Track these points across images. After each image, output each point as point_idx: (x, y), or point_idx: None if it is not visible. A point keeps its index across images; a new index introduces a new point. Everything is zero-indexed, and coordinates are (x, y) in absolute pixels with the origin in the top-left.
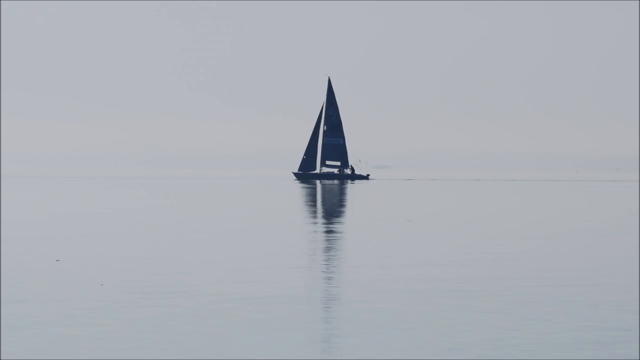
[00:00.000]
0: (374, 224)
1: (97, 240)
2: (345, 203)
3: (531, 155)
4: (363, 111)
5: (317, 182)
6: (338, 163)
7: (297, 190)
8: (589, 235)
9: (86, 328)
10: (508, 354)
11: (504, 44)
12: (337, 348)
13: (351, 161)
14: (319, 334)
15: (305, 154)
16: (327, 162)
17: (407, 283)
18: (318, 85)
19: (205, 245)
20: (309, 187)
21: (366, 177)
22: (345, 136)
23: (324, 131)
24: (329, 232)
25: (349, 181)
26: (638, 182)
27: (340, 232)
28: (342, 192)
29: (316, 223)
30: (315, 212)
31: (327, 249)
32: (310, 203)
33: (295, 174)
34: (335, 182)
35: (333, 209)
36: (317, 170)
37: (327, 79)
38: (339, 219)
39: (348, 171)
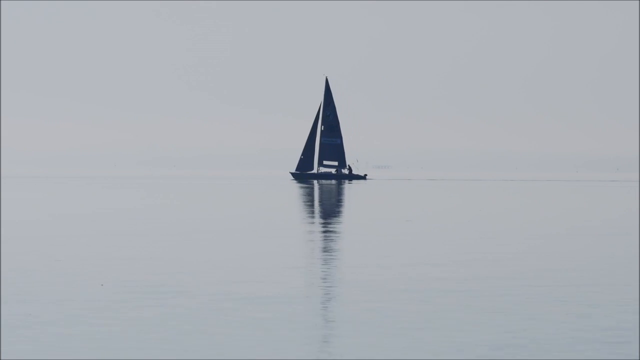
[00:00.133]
0: (374, 224)
1: (97, 240)
2: (344, 203)
3: (531, 155)
4: (363, 111)
5: (315, 182)
6: (335, 163)
7: (296, 190)
8: (589, 235)
9: (86, 328)
10: (508, 353)
11: (504, 44)
12: (337, 348)
13: (349, 161)
14: (318, 334)
15: (302, 154)
16: (325, 162)
17: (407, 283)
18: (319, 85)
19: (205, 245)
20: (308, 187)
21: (363, 177)
22: (345, 136)
23: (322, 131)
24: (328, 232)
25: (347, 181)
26: (638, 182)
27: (340, 232)
28: (340, 192)
29: (316, 223)
30: (314, 212)
31: (327, 249)
32: (309, 203)
33: (292, 174)
34: (333, 182)
35: (332, 209)
36: (315, 170)
37: (325, 79)
38: (338, 219)
39: (345, 171)
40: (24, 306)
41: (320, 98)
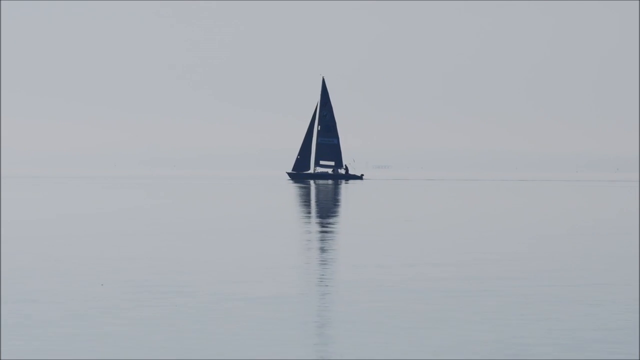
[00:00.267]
0: (373, 224)
1: (97, 240)
2: (343, 203)
3: (531, 155)
4: (363, 111)
5: (311, 182)
6: (332, 163)
7: (294, 190)
8: (589, 235)
9: (86, 328)
10: (508, 353)
11: (504, 44)
12: (337, 348)
13: (345, 161)
14: (318, 334)
15: (299, 154)
16: (321, 162)
17: (406, 283)
18: (319, 85)
19: (205, 245)
20: (306, 188)
21: (360, 177)
22: (343, 136)
23: (318, 131)
24: (327, 232)
25: (343, 181)
26: (638, 182)
27: (339, 232)
28: (338, 193)
29: (315, 223)
30: (313, 212)
31: (326, 249)
32: (308, 203)
33: (289, 174)
34: (329, 182)
35: (331, 209)
36: (311, 170)
37: (322, 79)
38: (338, 219)
39: (342, 171)
40: (24, 306)
41: (318, 98)
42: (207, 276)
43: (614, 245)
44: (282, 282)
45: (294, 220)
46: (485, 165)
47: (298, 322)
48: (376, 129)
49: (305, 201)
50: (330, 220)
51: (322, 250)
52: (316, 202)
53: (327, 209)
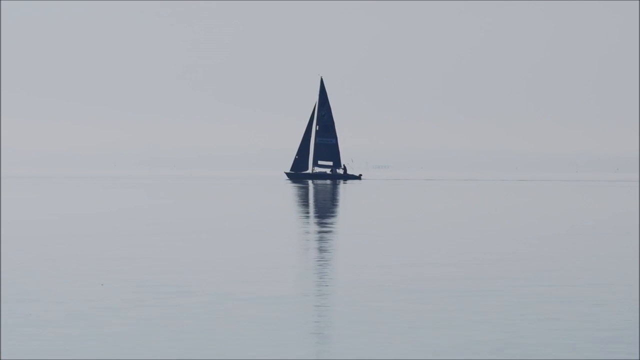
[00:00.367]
0: (373, 224)
1: (97, 240)
2: (342, 203)
3: (531, 155)
4: (363, 111)
5: (310, 182)
6: (330, 163)
7: (294, 190)
8: (589, 235)
9: (86, 328)
10: (508, 353)
11: (504, 44)
12: (337, 348)
13: (343, 161)
14: (318, 334)
15: (297, 154)
16: (319, 162)
17: (407, 283)
18: (318, 85)
19: (205, 245)
20: (305, 188)
21: (358, 177)
22: (343, 136)
23: (316, 131)
24: (327, 232)
25: (341, 181)
26: (638, 182)
27: (339, 233)
28: (338, 193)
29: (315, 223)
30: (314, 212)
31: (326, 249)
32: (308, 203)
33: (287, 174)
34: (328, 182)
35: (331, 209)
36: (309, 170)
37: (320, 79)
38: (338, 219)
39: (340, 171)
40: (24, 306)
41: (317, 98)
42: (207, 276)
43: (614, 245)
44: (282, 282)
45: (294, 221)
46: (485, 165)
47: (298, 322)
48: (376, 129)
49: (305, 201)
50: (330, 220)
51: (322, 250)
52: (316, 202)
53: (327, 209)
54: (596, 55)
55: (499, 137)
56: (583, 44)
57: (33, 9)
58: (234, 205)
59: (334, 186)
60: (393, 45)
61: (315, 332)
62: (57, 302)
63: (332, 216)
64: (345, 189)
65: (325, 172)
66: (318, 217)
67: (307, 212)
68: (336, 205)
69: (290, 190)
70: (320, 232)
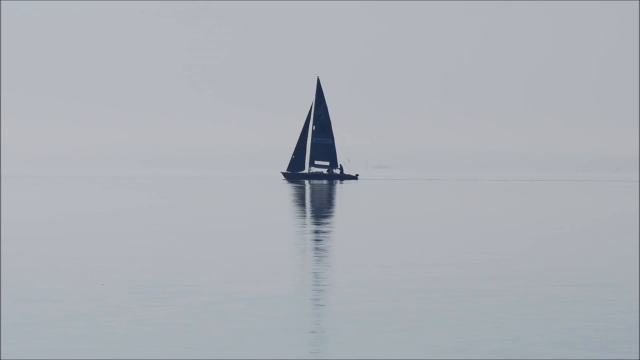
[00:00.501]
0: (373, 224)
1: (97, 240)
2: (341, 203)
3: (531, 155)
4: (363, 111)
5: (306, 182)
6: (327, 163)
7: (294, 190)
8: (589, 235)
9: (86, 328)
10: (508, 353)
11: (504, 44)
12: (337, 348)
13: (340, 161)
14: (318, 334)
15: (294, 154)
16: (316, 162)
17: (407, 283)
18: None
19: (205, 245)
20: (303, 188)
21: (355, 177)
22: (344, 136)
23: (313, 131)
24: (327, 232)
25: (338, 181)
26: (638, 182)
27: (339, 233)
28: (336, 193)
29: (315, 223)
30: (313, 212)
31: (326, 249)
32: (308, 203)
33: (284, 173)
34: (324, 182)
35: (330, 209)
36: (306, 170)
37: (316, 79)
38: (337, 219)
39: (337, 171)
40: (24, 306)
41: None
42: (207, 276)
43: (614, 245)
44: (282, 282)
45: (294, 221)
46: (485, 165)
47: (298, 322)
48: (376, 129)
49: (305, 201)
50: (330, 221)
51: (322, 250)
52: (316, 202)
53: (327, 209)
54: (596, 55)
55: (499, 137)
56: (583, 44)
57: (33, 9)
58: (233, 205)
59: (332, 186)
60: (393, 45)
61: (315, 332)
62: (57, 302)
63: (332, 216)
64: (343, 189)
65: (322, 172)
66: (318, 217)
67: (307, 213)
68: (336, 205)
69: (289, 190)
70: (320, 232)
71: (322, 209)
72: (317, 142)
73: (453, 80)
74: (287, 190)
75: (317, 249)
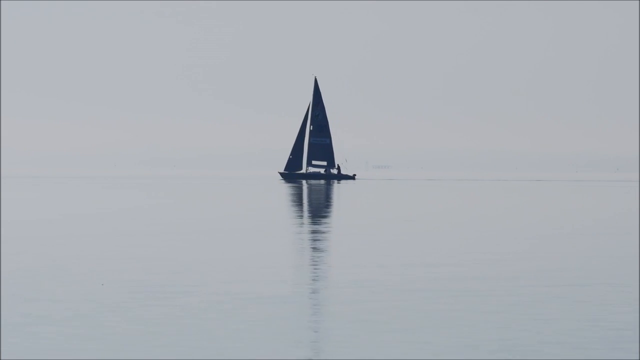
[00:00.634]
0: (373, 224)
1: (98, 240)
2: (341, 203)
3: (531, 155)
4: (362, 111)
5: (304, 182)
6: (324, 163)
7: (293, 190)
8: (589, 235)
9: (86, 328)
10: (508, 354)
11: (504, 44)
12: (337, 348)
13: (337, 161)
14: (318, 334)
15: (291, 154)
16: (314, 162)
17: (406, 283)
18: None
19: (205, 245)
20: (300, 188)
21: (352, 177)
22: (343, 136)
23: (310, 131)
24: (327, 232)
25: (336, 181)
26: (638, 182)
27: (338, 232)
28: (334, 193)
29: (315, 223)
30: (313, 212)
31: (326, 249)
32: (307, 203)
33: (281, 173)
34: (322, 182)
35: (330, 209)
36: (303, 170)
37: (314, 79)
38: (337, 219)
39: (334, 171)
40: (24, 306)
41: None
42: (207, 276)
43: (614, 245)
44: (281, 282)
45: (293, 220)
46: (485, 165)
47: (297, 322)
48: (376, 129)
49: (304, 201)
50: (329, 220)
51: (322, 250)
52: (315, 202)
53: (327, 209)
54: (596, 55)
55: (499, 137)
56: (583, 44)
57: (33, 9)
58: (233, 205)
59: (331, 186)
60: (393, 45)
61: (314, 332)
62: (57, 302)
63: (332, 216)
64: (343, 190)
65: (319, 172)
66: (318, 217)
67: (307, 213)
68: (335, 205)
69: (289, 190)
70: (320, 232)
71: (322, 209)
72: (315, 142)
73: (453, 80)
74: (287, 190)
75: (316, 249)
